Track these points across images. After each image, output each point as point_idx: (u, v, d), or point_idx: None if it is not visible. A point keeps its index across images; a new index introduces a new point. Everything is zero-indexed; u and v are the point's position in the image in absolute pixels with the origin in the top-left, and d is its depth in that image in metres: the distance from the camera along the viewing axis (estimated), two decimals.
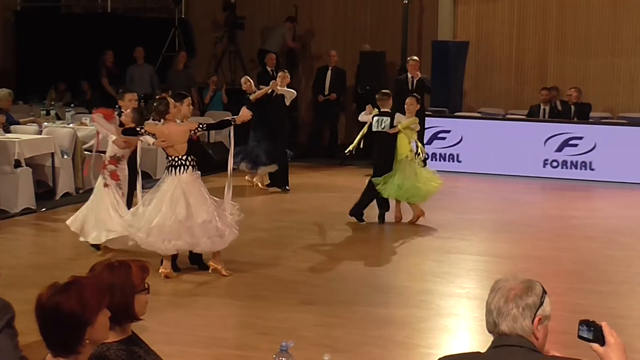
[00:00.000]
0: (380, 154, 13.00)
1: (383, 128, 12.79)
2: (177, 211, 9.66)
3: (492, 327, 3.49)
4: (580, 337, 3.47)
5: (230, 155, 10.35)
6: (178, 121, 9.93)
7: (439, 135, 18.15)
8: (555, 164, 17.57)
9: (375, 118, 12.91)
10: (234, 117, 10.24)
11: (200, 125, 10.00)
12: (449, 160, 18.07)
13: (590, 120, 18.14)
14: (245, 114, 10.22)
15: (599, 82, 19.49)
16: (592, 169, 17.37)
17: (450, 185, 14.70)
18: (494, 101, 20.19)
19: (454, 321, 8.64)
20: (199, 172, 9.98)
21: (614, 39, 19.62)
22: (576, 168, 17.46)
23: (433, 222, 12.96)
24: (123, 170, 10.77)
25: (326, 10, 21.78)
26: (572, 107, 18.15)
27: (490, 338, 3.51)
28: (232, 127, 10.25)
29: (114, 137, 10.66)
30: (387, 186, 12.75)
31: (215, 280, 9.91)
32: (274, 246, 11.53)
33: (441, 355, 3.62)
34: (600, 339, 3.44)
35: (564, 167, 17.48)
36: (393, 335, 8.03)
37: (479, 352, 3.59)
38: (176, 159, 9.83)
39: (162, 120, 9.85)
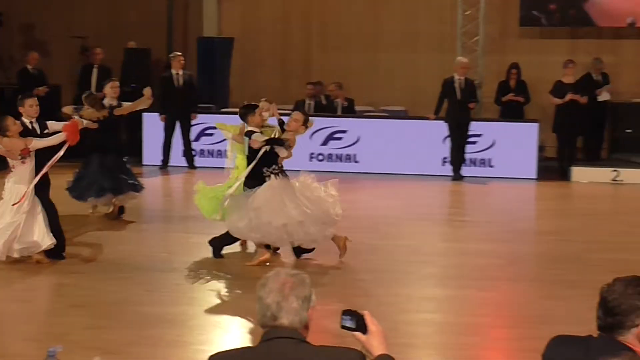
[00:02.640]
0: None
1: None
2: None
3: (270, 320, 3.51)
4: (343, 326, 3.58)
5: None
6: None
7: (206, 132, 18.16)
8: (321, 157, 17.98)
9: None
10: None
11: None
12: (216, 157, 18.11)
13: (354, 114, 18.66)
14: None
15: (361, 77, 20.07)
16: (357, 162, 17.89)
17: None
18: (262, 97, 20.33)
19: (225, 317, 8.69)
20: None
21: (375, 35, 20.27)
22: (341, 161, 17.92)
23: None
24: None
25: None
26: (338, 101, 18.61)
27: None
28: None
29: None
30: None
31: None
32: None
33: (213, 352, 3.63)
34: (362, 327, 3.56)
35: (330, 160, 17.92)
36: (165, 334, 7.99)
37: (250, 347, 3.63)
38: None
39: None
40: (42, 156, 10.23)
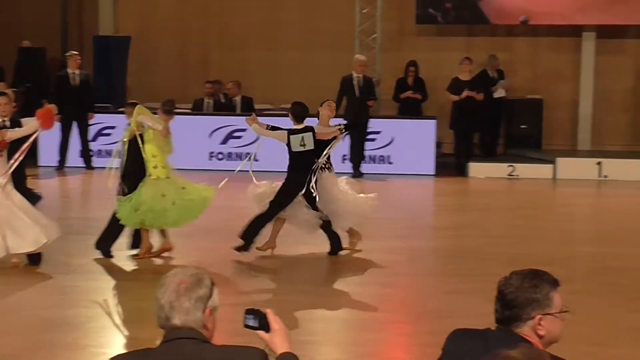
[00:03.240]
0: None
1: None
2: None
3: (164, 321, 3.48)
4: (246, 325, 3.56)
5: None
6: None
7: (104, 132, 17.93)
8: (220, 156, 17.90)
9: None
10: None
11: None
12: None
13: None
14: None
15: (260, 76, 20.03)
16: (257, 160, 17.78)
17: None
18: (161, 96, 20.15)
19: (125, 319, 8.56)
20: None
21: (274, 33, 20.25)
22: (241, 159, 17.84)
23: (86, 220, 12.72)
24: None
25: None
26: (236, 99, 18.55)
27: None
28: None
29: None
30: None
31: None
32: None
33: (113, 355, 3.58)
34: (265, 326, 3.55)
35: (230, 158, 17.84)
36: (62, 338, 7.85)
37: (150, 349, 3.58)
38: None
39: None
40: (12, 148, 9.97)
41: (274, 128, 10.99)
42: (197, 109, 18.54)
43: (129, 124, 10.60)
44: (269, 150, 18.05)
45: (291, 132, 10.74)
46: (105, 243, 10.64)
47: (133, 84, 20.14)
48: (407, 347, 8.08)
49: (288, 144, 10.75)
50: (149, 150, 10.43)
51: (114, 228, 10.56)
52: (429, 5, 19.32)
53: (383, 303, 9.22)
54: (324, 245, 11.03)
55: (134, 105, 10.55)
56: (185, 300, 3.46)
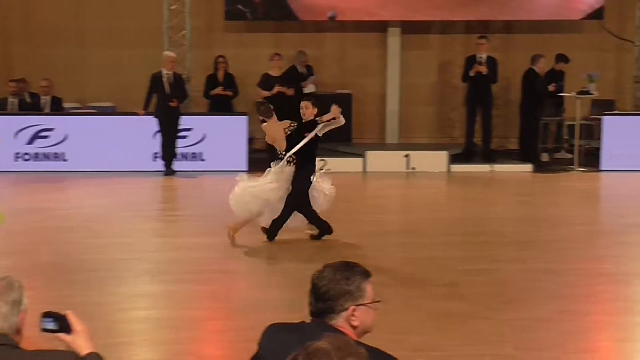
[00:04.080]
0: None
1: None
2: None
3: None
4: (44, 329, 3.46)
5: None
6: None
7: None
8: (27, 156, 17.39)
9: None
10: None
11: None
12: None
13: (62, 111, 18.18)
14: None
15: (68, 74, 19.55)
16: (65, 160, 17.44)
17: None
18: None
19: None
20: None
21: (80, 31, 19.80)
22: (49, 159, 17.41)
23: None
24: None
25: None
26: (46, 98, 18.07)
27: None
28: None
29: None
30: None
31: None
32: None
33: None
34: (66, 328, 3.46)
35: (37, 159, 17.37)
36: None
37: None
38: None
39: None
40: None
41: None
42: (1, 109, 17.92)
43: None
44: (78, 151, 17.82)
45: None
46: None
47: None
48: (222, 344, 8.08)
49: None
50: None
51: None
52: (237, 1, 19.35)
53: (198, 300, 9.19)
54: (137, 245, 10.86)
55: None
56: (2, 305, 3.37)
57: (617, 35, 19.71)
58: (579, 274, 10.15)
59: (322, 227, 11.62)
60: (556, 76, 18.53)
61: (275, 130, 11.55)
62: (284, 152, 11.45)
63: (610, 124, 18.07)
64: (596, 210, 15.09)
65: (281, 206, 11.39)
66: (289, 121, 11.68)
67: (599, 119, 18.25)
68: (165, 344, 7.92)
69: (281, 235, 11.61)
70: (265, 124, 11.71)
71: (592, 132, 18.83)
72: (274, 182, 11.37)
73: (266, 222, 11.57)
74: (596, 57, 19.65)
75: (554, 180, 17.06)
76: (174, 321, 8.47)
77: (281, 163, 11.43)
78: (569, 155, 18.42)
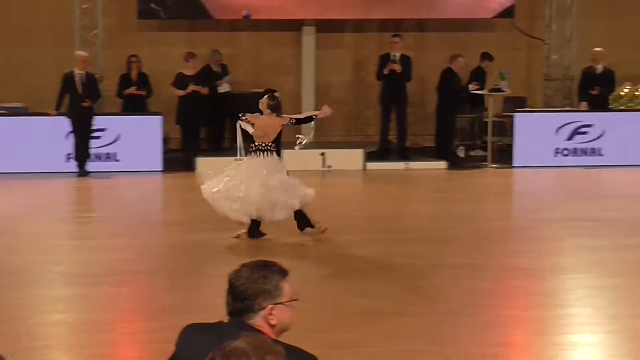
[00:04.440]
0: None
1: None
2: None
3: None
4: None
5: None
6: None
7: None
8: None
9: None
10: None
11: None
12: None
13: None
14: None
15: None
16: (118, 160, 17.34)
17: None
18: None
19: None
20: None
21: (8, 28, 19.37)
22: None
23: None
24: None
25: None
26: None
27: None
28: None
29: None
30: None
31: None
32: None
33: None
34: None
35: None
36: None
37: None
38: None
39: None
40: None
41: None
42: None
43: None
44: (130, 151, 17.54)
45: None
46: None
47: None
48: (138, 345, 8.00)
49: None
50: None
51: None
52: (150, 0, 19.16)
53: (112, 302, 9.09)
54: (51, 247, 10.71)
55: None
56: None
57: (527, 34, 20.06)
58: (493, 268, 10.30)
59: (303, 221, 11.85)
60: (481, 74, 18.77)
61: (272, 125, 12.05)
62: (269, 144, 12.07)
63: (521, 121, 18.36)
64: (509, 206, 15.33)
65: (262, 193, 11.51)
66: (288, 116, 12.47)
67: (511, 116, 18.53)
68: (82, 348, 7.81)
69: (200, 235, 11.54)
70: (262, 117, 12.02)
71: (504, 129, 19.10)
72: (239, 176, 11.58)
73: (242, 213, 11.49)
74: (508, 55, 19.92)
75: (468, 176, 17.27)
76: (89, 324, 8.36)
77: (251, 155, 11.92)
78: (483, 153, 18.67)
